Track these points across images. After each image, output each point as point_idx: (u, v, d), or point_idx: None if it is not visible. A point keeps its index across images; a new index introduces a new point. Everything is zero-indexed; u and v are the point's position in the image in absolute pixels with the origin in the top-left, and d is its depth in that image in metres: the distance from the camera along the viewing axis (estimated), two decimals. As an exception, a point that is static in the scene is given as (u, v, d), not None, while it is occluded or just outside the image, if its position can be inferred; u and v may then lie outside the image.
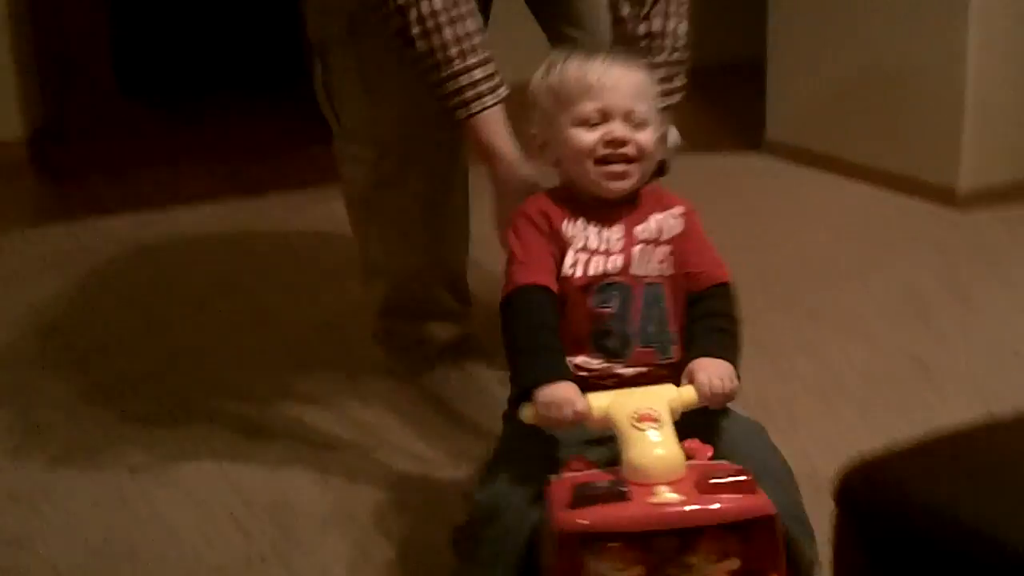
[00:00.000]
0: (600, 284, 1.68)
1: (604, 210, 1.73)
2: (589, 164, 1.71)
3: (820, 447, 2.32)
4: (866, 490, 1.13)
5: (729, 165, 4.24)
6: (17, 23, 4.43)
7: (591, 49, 1.80)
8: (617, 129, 1.71)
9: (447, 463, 2.28)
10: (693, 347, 1.66)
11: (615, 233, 1.72)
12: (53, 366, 2.78)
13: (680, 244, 1.73)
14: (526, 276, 1.67)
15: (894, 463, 1.15)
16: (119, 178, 4.26)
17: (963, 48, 3.60)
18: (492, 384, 2.37)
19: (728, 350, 1.64)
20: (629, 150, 1.71)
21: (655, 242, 1.72)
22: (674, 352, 1.69)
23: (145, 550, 2.05)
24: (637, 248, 1.70)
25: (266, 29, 4.86)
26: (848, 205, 3.82)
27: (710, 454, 1.54)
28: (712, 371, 1.59)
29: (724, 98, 4.98)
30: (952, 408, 2.48)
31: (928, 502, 1.07)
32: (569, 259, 1.69)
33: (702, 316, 1.70)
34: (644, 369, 1.66)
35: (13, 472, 2.32)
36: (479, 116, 1.96)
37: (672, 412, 1.51)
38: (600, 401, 1.54)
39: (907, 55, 3.80)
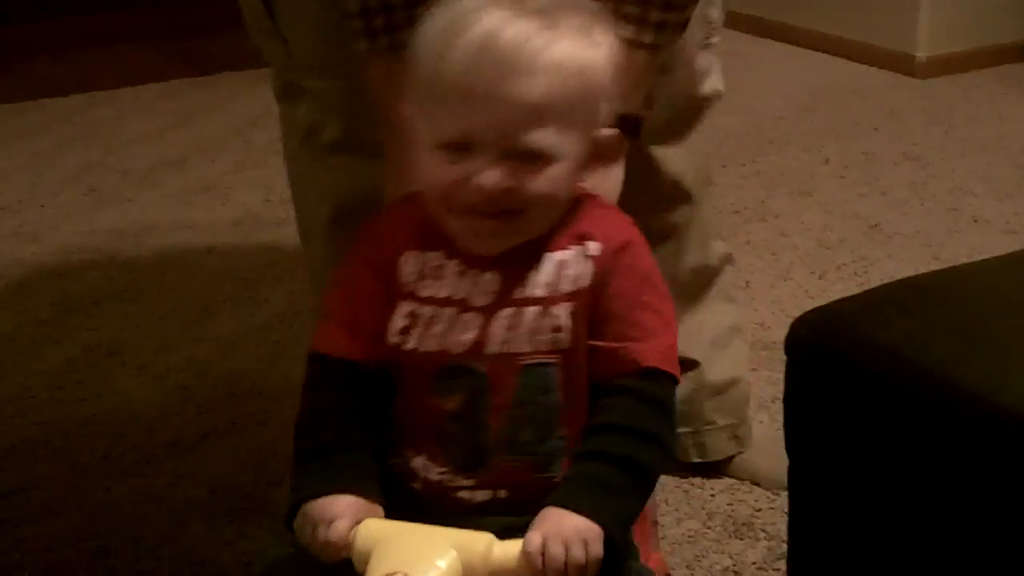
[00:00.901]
0: (439, 367, 1.09)
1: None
2: (441, 209, 1.07)
3: (774, 312, 2.32)
4: (816, 337, 1.12)
5: (686, 36, 4.19)
6: None
7: None
8: (485, 175, 1.03)
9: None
10: (564, 480, 1.06)
11: (484, 281, 1.09)
12: (0, 243, 2.74)
13: (594, 299, 1.08)
14: (321, 337, 1.12)
15: (843, 310, 1.14)
16: (65, 57, 4.21)
17: (922, -90, 3.56)
18: None
19: (606, 498, 1.02)
20: (506, 203, 1.05)
21: (544, 301, 1.08)
22: (563, 467, 1.09)
23: (99, 424, 2.03)
24: (505, 315, 1.07)
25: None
26: (805, 74, 3.79)
27: None
28: (557, 531, 0.99)
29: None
30: (908, 272, 2.48)
31: (877, 345, 1.06)
32: (399, 317, 1.09)
33: (595, 430, 1.06)
34: (503, 493, 1.09)
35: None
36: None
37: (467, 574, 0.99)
38: (370, 534, 1.01)
39: (866, -80, 3.75)
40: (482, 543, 0.99)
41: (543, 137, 1.03)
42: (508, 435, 1.08)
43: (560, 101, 1.03)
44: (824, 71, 3.79)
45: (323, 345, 1.12)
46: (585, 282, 1.07)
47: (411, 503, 1.09)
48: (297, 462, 1.09)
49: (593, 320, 1.08)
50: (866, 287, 2.41)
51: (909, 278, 1.21)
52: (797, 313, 2.37)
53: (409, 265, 1.10)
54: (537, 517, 1.01)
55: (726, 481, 1.82)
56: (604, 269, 1.08)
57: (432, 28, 1.05)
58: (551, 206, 1.07)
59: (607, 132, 1.11)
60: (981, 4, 3.71)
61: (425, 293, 1.09)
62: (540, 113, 1.02)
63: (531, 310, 1.07)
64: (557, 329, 1.07)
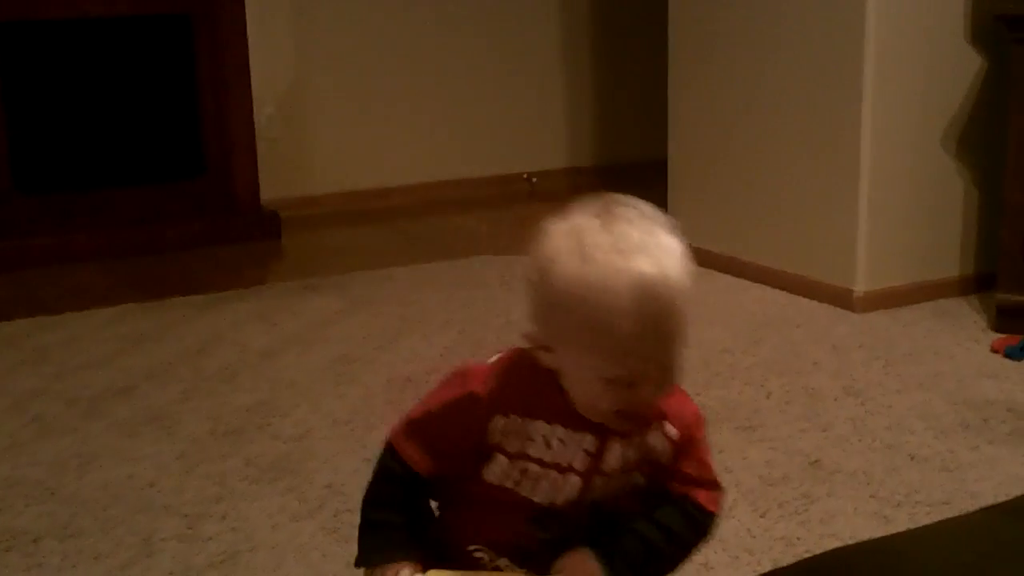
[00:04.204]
0: (540, 509, 1.37)
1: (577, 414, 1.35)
2: (606, 417, 1.32)
3: (717, 552, 2.32)
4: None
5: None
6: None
7: (636, 229, 1.28)
8: (647, 404, 1.32)
9: None
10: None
11: (582, 442, 1.34)
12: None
13: (665, 465, 1.40)
14: (403, 445, 1.40)
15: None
16: (16, 278, 4.24)
17: (857, 159, 3.70)
18: None
19: (626, 562, 1.35)
20: (653, 409, 1.35)
21: (630, 470, 1.38)
22: None
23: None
24: (601, 480, 1.37)
25: (167, 126, 4.84)
26: (748, 306, 3.87)
27: None
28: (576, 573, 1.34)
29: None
30: (848, 511, 2.50)
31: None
32: (500, 467, 1.36)
33: (641, 515, 1.39)
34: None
35: None
36: None
37: None
38: None
39: (804, 163, 3.89)
40: None
41: (681, 354, 1.30)
42: (582, 544, 1.36)
43: (688, 320, 1.29)
44: (769, 304, 3.89)
45: (403, 452, 1.39)
46: (664, 457, 1.37)
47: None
48: (366, 526, 1.43)
49: (664, 472, 1.38)
50: (807, 526, 2.44)
51: (837, 550, 1.22)
52: (740, 554, 2.38)
53: (501, 428, 1.33)
54: (565, 559, 1.33)
55: None
56: (681, 448, 1.38)
57: (594, 283, 1.24)
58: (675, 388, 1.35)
59: None
60: (916, 241, 3.83)
61: (534, 454, 1.33)
62: (683, 337, 1.29)
63: (619, 476, 1.35)
64: (636, 487, 1.38)
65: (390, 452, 1.42)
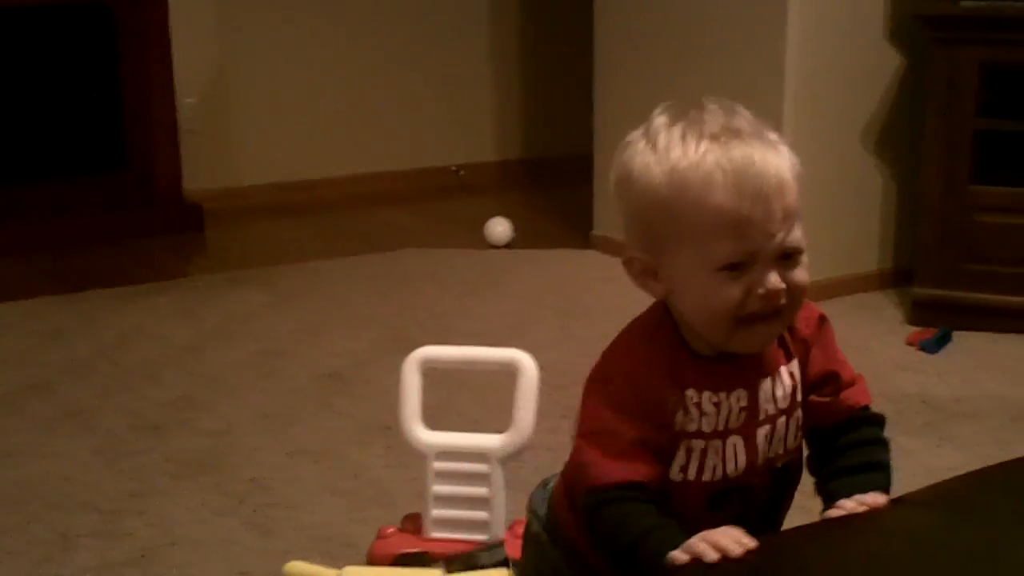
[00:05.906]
0: (713, 490, 1.31)
1: (720, 365, 1.30)
2: (728, 323, 1.25)
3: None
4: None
5: (558, 260, 4.29)
6: None
7: (723, 120, 1.25)
8: (771, 279, 1.22)
9: None
10: (842, 483, 1.33)
11: (735, 402, 1.30)
12: None
13: (816, 378, 1.36)
14: (614, 471, 1.26)
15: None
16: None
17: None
18: None
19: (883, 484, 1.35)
20: (783, 300, 1.24)
21: (788, 411, 1.33)
22: None
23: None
24: (764, 431, 1.31)
25: (88, 117, 4.78)
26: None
27: None
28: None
29: (559, 192, 5.10)
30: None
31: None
32: (681, 456, 1.29)
33: (851, 446, 1.35)
34: None
35: None
36: None
37: None
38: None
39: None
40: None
41: (799, 234, 1.25)
42: (766, 516, 1.36)
43: (798, 201, 1.25)
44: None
45: (620, 475, 1.26)
46: (807, 363, 1.35)
47: None
48: (642, 538, 1.23)
49: (809, 379, 1.35)
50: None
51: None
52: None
53: (679, 409, 1.28)
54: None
55: None
56: (817, 343, 1.35)
57: (692, 172, 1.23)
58: (805, 295, 1.29)
59: None
60: (836, 236, 3.88)
61: (691, 428, 1.28)
62: (795, 216, 1.24)
63: (781, 420, 1.32)
64: (800, 428, 1.34)
65: (602, 495, 1.26)
